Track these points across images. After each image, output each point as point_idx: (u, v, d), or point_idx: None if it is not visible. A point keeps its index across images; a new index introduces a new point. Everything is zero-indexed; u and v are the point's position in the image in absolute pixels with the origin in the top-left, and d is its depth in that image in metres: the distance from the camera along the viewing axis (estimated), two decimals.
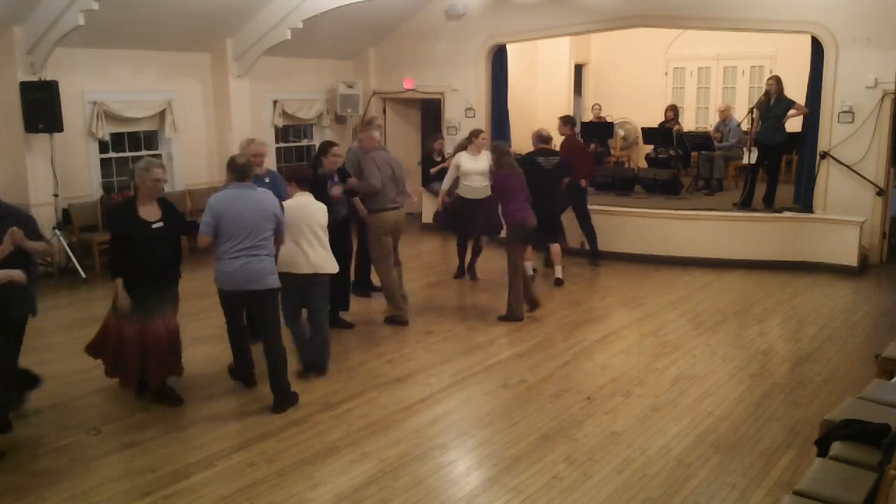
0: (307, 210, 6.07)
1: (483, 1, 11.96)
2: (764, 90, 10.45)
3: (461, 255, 9.51)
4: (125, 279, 5.38)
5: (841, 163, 9.88)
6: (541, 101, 14.83)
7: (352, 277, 7.96)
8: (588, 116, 14.84)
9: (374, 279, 8.04)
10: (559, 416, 5.56)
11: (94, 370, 5.84)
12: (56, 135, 9.39)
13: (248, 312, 6.10)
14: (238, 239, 5.52)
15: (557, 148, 9.60)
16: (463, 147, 9.28)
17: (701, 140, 12.14)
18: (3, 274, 4.67)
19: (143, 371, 5.53)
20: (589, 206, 10.06)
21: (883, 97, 9.57)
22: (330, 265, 6.20)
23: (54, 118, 9.17)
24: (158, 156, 10.93)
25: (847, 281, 9.36)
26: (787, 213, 10.11)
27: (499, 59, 12.69)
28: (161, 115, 10.90)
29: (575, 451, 5.00)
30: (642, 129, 13.87)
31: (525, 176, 7.91)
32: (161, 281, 5.53)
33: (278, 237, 5.76)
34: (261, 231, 5.59)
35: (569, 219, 9.87)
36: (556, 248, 9.22)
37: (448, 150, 12.03)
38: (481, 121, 12.53)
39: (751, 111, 10.47)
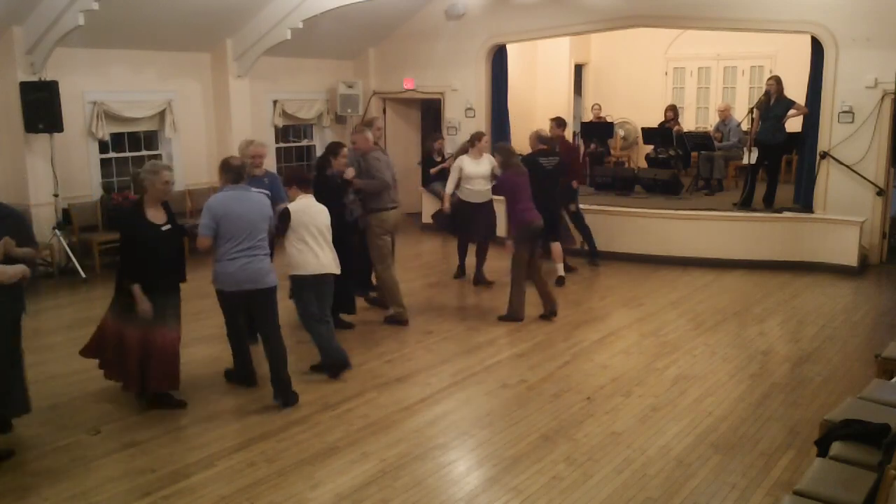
0: (312, 212, 6.10)
1: (483, 1, 11.95)
2: (764, 90, 10.45)
3: (462, 255, 9.50)
4: (132, 282, 5.36)
5: (841, 163, 9.87)
6: (541, 101, 14.80)
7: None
8: (588, 116, 14.83)
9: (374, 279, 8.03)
10: (559, 416, 5.56)
11: (94, 370, 5.83)
12: (56, 135, 9.40)
13: (247, 312, 6.09)
14: (238, 240, 5.57)
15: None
16: (464, 150, 9.25)
17: (701, 140, 12.13)
18: (18, 270, 4.63)
19: (142, 376, 5.51)
20: (589, 206, 10.06)
21: (883, 97, 9.57)
22: (335, 266, 6.24)
23: (54, 118, 9.17)
24: (158, 156, 10.96)
25: (847, 281, 9.36)
26: (787, 213, 10.11)
27: (499, 59, 12.69)
28: (161, 115, 10.91)
29: (575, 451, 5.00)
30: (642, 129, 13.86)
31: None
32: (166, 284, 5.52)
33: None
34: (259, 232, 5.69)
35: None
36: (556, 246, 9.23)
37: (448, 150, 12.04)
38: (481, 121, 12.54)
39: (751, 111, 10.48)
